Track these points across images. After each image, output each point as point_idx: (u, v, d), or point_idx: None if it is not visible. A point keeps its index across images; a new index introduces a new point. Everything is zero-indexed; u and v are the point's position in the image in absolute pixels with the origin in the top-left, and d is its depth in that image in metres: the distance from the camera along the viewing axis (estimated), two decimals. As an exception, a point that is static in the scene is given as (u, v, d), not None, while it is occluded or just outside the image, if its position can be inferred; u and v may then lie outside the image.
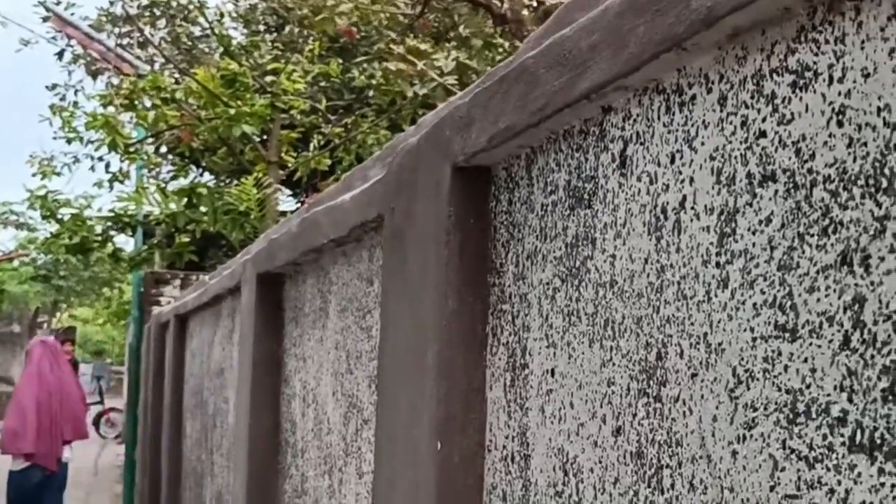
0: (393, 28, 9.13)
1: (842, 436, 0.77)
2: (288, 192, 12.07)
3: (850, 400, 0.76)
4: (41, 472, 6.80)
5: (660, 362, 1.02)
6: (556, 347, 1.25)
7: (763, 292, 0.87)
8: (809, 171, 0.82)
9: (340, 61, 9.55)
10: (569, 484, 1.20)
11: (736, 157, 0.92)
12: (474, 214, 1.48)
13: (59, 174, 10.63)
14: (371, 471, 1.97)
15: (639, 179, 1.08)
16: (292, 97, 8.79)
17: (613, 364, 1.11)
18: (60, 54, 14.04)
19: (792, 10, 0.84)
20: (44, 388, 6.80)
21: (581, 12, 1.16)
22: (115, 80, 10.88)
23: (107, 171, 9.81)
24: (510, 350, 1.39)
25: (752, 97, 0.91)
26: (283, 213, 8.84)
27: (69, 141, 9.94)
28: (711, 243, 0.95)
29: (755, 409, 0.87)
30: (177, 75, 10.27)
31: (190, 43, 12.70)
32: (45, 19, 13.09)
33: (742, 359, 0.89)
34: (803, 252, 0.82)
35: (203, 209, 8.71)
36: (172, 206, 8.93)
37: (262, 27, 12.74)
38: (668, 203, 1.02)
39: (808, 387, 0.81)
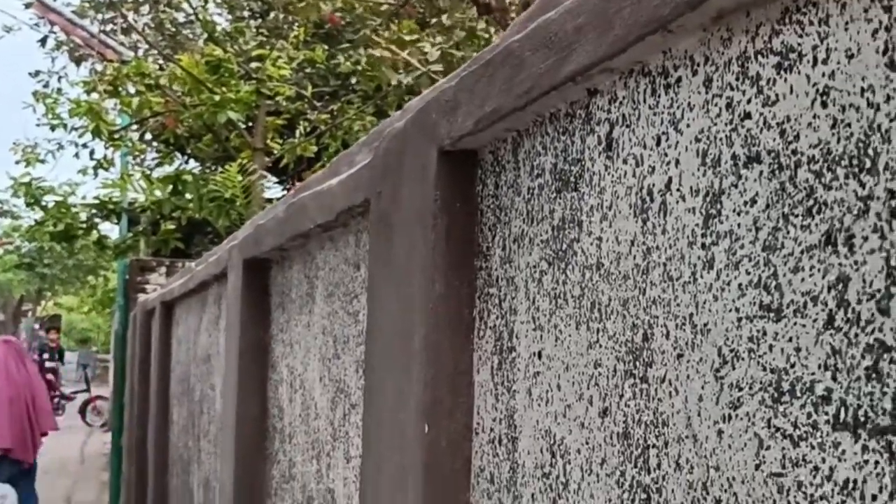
0: (378, 15, 9.10)
1: (826, 414, 0.78)
2: (274, 179, 12.04)
3: (834, 378, 0.77)
4: (17, 466, 6.83)
5: (646, 343, 1.03)
6: (543, 330, 1.26)
7: (748, 273, 0.88)
8: (794, 152, 0.83)
9: (326, 47, 9.51)
10: (556, 465, 1.21)
11: (721, 139, 0.93)
12: (461, 198, 1.48)
13: (43, 161, 10.57)
14: (359, 455, 1.97)
15: (625, 162, 1.09)
16: (278, 83, 8.76)
17: (600, 346, 1.12)
18: (43, 41, 13.94)
19: (777, -8, 0.85)
20: (13, 385, 6.79)
21: (567, -5, 1.16)
22: (99, 67, 10.81)
23: (91, 158, 9.75)
24: (497, 333, 1.39)
25: (737, 79, 0.91)
26: (269, 201, 8.81)
27: (53, 128, 9.88)
28: (697, 225, 0.95)
29: (740, 389, 0.88)
30: (161, 62, 10.20)
31: (174, 29, 12.62)
32: (27, 5, 12.98)
33: (727, 339, 0.90)
34: (788, 232, 0.83)
35: (188, 196, 8.67)
36: (158, 193, 8.88)
37: (246, 13, 12.66)
38: (653, 185, 1.03)
39: (792, 366, 0.82)
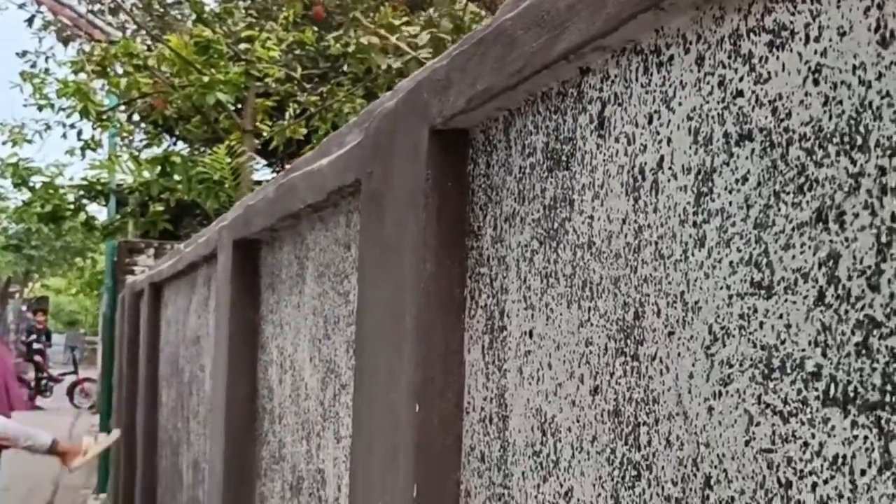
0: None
1: (816, 390, 0.78)
2: (263, 161, 12.00)
3: (824, 355, 0.77)
4: None
5: (637, 321, 1.03)
6: (535, 309, 1.26)
7: (739, 250, 0.88)
8: (786, 129, 0.83)
9: (315, 29, 9.46)
10: (546, 443, 1.21)
11: (713, 117, 0.93)
12: (452, 178, 1.48)
13: (30, 142, 10.50)
14: (349, 435, 1.98)
15: (616, 140, 1.09)
16: (267, 65, 8.71)
17: (591, 324, 1.12)
18: (30, 21, 13.82)
19: (770, -31, 0.85)
20: None
21: (559, -27, 1.16)
22: (87, 47, 10.73)
23: (79, 139, 9.70)
24: (488, 312, 1.40)
25: (730, 57, 0.91)
26: (258, 183, 8.78)
27: (40, 108, 9.81)
28: (688, 203, 0.96)
29: (731, 366, 0.88)
30: (149, 42, 10.13)
31: (162, 9, 12.54)
32: (13, -15, 12.86)
33: (718, 316, 0.90)
34: (779, 210, 0.83)
35: (177, 178, 8.64)
36: (146, 174, 8.85)
37: (235, -6, 12.57)
38: (645, 163, 1.03)
39: (783, 342, 0.82)
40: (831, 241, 0.77)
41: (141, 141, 12.85)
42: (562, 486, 1.17)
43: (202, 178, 8.39)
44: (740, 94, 0.89)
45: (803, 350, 0.80)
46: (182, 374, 4.74)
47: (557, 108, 1.22)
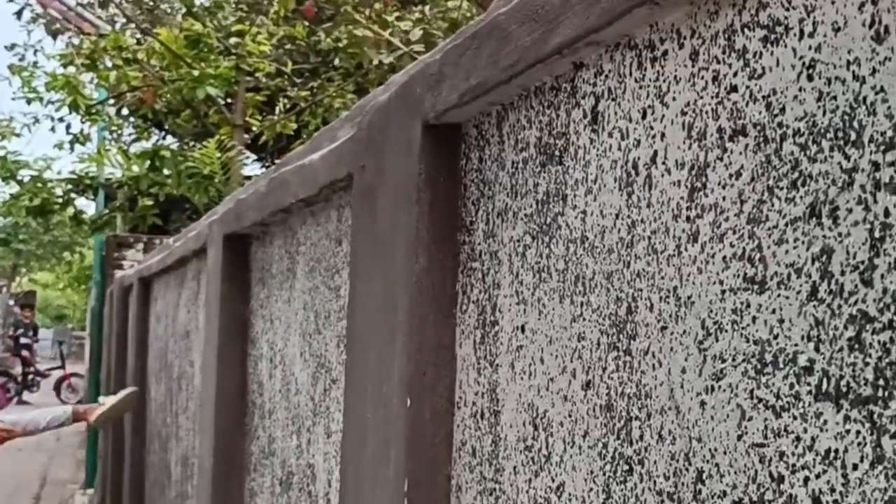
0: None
1: (808, 384, 0.78)
2: (253, 156, 11.96)
3: (816, 349, 0.78)
4: None
5: (630, 316, 1.03)
6: (527, 304, 1.26)
7: (732, 245, 0.88)
8: (780, 124, 0.83)
9: (306, 23, 9.43)
10: (538, 438, 1.22)
11: (707, 112, 0.93)
12: (445, 172, 1.48)
13: (18, 135, 10.45)
14: (339, 430, 1.98)
15: (610, 135, 1.09)
16: (257, 59, 8.68)
17: (584, 319, 1.12)
18: (19, 14, 13.74)
19: (765, -35, 0.85)
20: None
21: (554, -32, 1.15)
22: (76, 40, 10.67)
23: (67, 133, 9.65)
24: (480, 307, 1.40)
25: (724, 52, 0.91)
26: (248, 178, 8.76)
27: (29, 101, 9.75)
28: (682, 198, 0.96)
29: (723, 361, 0.89)
30: (139, 36, 10.09)
31: (152, 3, 12.48)
32: (2, -23, 12.78)
33: (711, 311, 0.91)
34: (773, 205, 0.84)
35: (166, 172, 8.60)
36: (135, 168, 8.80)
37: (225, -12, 12.52)
38: (639, 158, 1.03)
39: (775, 337, 0.82)
40: (825, 236, 0.77)
41: (130, 135, 12.79)
42: (553, 480, 1.17)
43: (192, 172, 8.36)
44: (734, 89, 0.89)
45: (796, 345, 0.80)
46: (171, 369, 4.73)
47: (551, 102, 1.22)
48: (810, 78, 0.80)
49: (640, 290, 1.02)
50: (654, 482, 0.98)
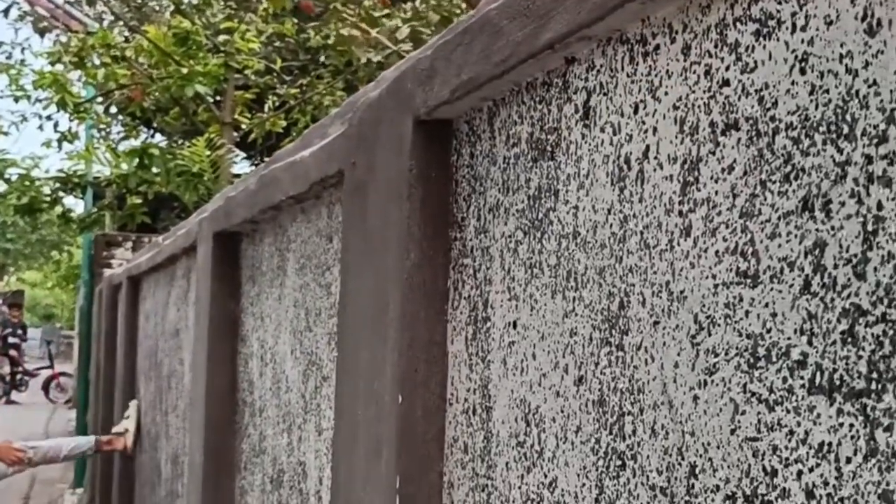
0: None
1: (801, 378, 0.78)
2: (242, 154, 11.93)
3: (809, 343, 0.78)
4: None
5: (622, 311, 1.03)
6: (519, 300, 1.26)
7: (725, 239, 0.88)
8: (772, 118, 0.83)
9: (295, 21, 9.41)
10: (531, 434, 1.21)
11: (699, 107, 0.93)
12: (436, 168, 1.47)
13: (5, 133, 10.42)
14: (330, 427, 1.97)
15: (602, 130, 1.09)
16: (246, 57, 8.66)
17: (576, 314, 1.12)
18: (6, 11, 13.68)
19: (757, -41, 0.85)
20: None
21: (545, -38, 1.15)
22: (64, 38, 10.62)
23: (55, 131, 9.61)
24: (472, 303, 1.40)
25: (716, 46, 0.91)
26: (237, 176, 8.73)
27: (16, 99, 9.72)
28: (674, 192, 0.96)
29: (716, 355, 0.89)
30: (127, 33, 10.05)
31: (140, 0, 12.44)
32: (-11, -25, 12.72)
33: (704, 305, 0.91)
34: (765, 199, 0.84)
35: (155, 170, 8.57)
36: (124, 166, 8.77)
37: (214, -15, 12.47)
38: (631, 153, 1.03)
39: (768, 331, 0.82)
40: (817, 229, 0.77)
41: (118, 133, 12.76)
42: (546, 476, 1.17)
43: (181, 170, 8.34)
44: (727, 83, 0.89)
45: (789, 338, 0.80)
46: (161, 368, 4.71)
47: (542, 97, 1.22)
48: (803, 71, 0.80)
49: (632, 284, 1.02)
50: (647, 477, 0.98)
